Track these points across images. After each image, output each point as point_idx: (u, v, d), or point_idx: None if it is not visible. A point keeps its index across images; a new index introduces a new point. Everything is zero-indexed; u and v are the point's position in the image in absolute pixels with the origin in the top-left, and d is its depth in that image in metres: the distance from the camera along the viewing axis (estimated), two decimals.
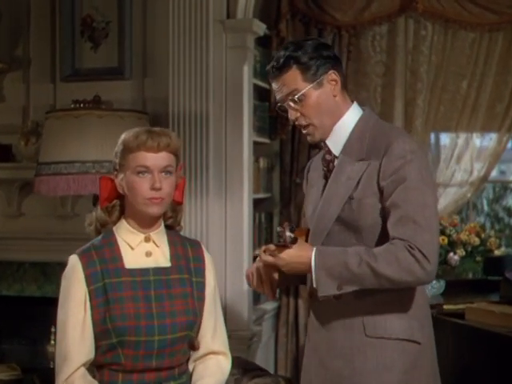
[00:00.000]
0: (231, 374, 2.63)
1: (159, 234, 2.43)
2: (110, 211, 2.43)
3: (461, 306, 4.01)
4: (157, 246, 2.42)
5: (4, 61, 4.76)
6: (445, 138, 5.21)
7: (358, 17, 4.93)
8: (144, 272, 2.37)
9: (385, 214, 2.42)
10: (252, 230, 4.59)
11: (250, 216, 4.55)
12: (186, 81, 4.38)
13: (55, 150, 3.94)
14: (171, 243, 2.45)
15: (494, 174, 5.72)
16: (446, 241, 4.58)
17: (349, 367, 2.48)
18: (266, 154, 5.04)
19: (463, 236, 4.64)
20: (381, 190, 2.43)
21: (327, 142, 2.56)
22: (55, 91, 4.73)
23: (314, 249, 2.41)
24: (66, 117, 3.98)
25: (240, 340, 4.36)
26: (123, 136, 2.37)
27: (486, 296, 4.33)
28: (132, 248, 2.39)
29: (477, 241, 4.66)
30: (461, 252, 4.59)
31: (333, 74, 2.52)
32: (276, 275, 2.54)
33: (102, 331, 2.32)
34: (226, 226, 4.46)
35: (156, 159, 2.32)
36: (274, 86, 2.55)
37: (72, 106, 4.26)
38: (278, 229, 2.42)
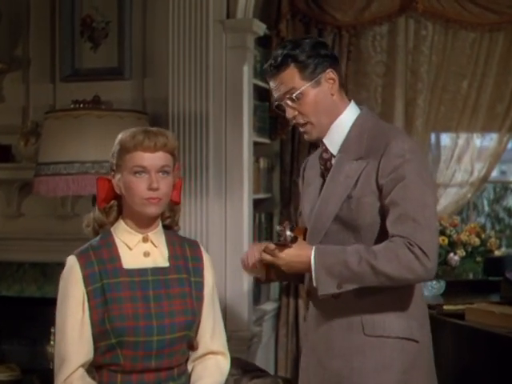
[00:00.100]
0: (231, 374, 2.63)
1: (157, 234, 2.42)
2: (108, 212, 2.43)
3: (461, 307, 4.00)
4: (155, 246, 2.41)
5: (4, 61, 4.75)
6: (445, 139, 5.20)
7: (358, 17, 4.92)
8: (142, 272, 2.37)
9: (383, 213, 2.43)
10: (252, 230, 4.59)
11: (250, 216, 4.55)
12: (185, 81, 4.38)
13: (54, 150, 3.94)
14: (169, 243, 2.44)
15: (494, 174, 5.72)
16: (446, 241, 4.57)
17: (348, 367, 2.48)
18: (266, 154, 5.03)
19: (463, 236, 4.63)
20: (379, 189, 2.43)
21: (324, 140, 2.56)
22: (55, 91, 4.72)
23: (314, 248, 2.42)
24: (65, 117, 3.98)
25: (240, 340, 4.35)
26: (120, 136, 2.36)
27: (486, 296, 4.32)
28: (130, 248, 2.39)
29: (477, 241, 4.66)
30: (461, 252, 4.59)
31: (330, 73, 2.52)
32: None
33: (100, 332, 2.32)
34: (226, 226, 4.45)
35: (153, 159, 2.31)
36: (272, 84, 2.55)
37: (72, 106, 4.26)
38: (278, 228, 2.42)
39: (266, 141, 5.01)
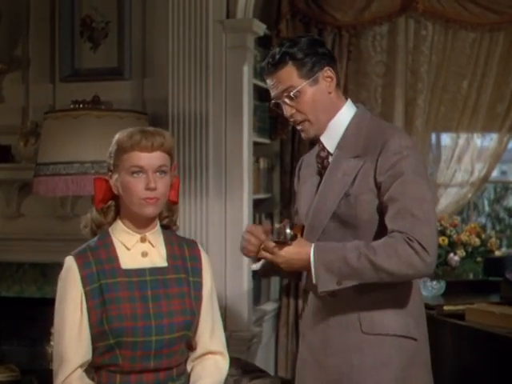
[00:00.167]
0: (231, 375, 2.63)
1: (155, 234, 2.42)
2: (106, 212, 2.42)
3: (461, 307, 4.00)
4: (153, 246, 2.40)
5: (3, 61, 4.75)
6: (445, 139, 5.20)
7: (358, 17, 4.93)
8: (140, 272, 2.36)
9: (381, 210, 2.43)
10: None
11: (250, 216, 4.55)
12: (185, 81, 4.38)
13: (54, 150, 3.93)
14: (167, 243, 2.44)
15: (494, 174, 5.73)
16: (447, 241, 4.57)
17: (347, 364, 2.48)
18: (266, 155, 5.03)
19: (463, 236, 4.63)
20: (378, 187, 2.43)
21: (322, 138, 2.57)
22: (54, 91, 4.72)
23: (313, 245, 2.41)
24: (64, 117, 3.97)
25: (240, 341, 4.35)
26: (117, 136, 2.36)
27: (486, 297, 4.32)
28: (128, 248, 2.38)
29: (477, 241, 4.66)
30: (461, 253, 4.58)
31: (328, 71, 2.53)
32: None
33: (99, 332, 2.31)
34: (226, 226, 4.45)
35: (150, 159, 2.31)
36: (269, 82, 2.55)
37: (71, 106, 4.25)
38: (278, 226, 2.42)
39: (266, 141, 5.01)
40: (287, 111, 2.53)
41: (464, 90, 4.97)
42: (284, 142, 5.05)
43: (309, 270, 2.42)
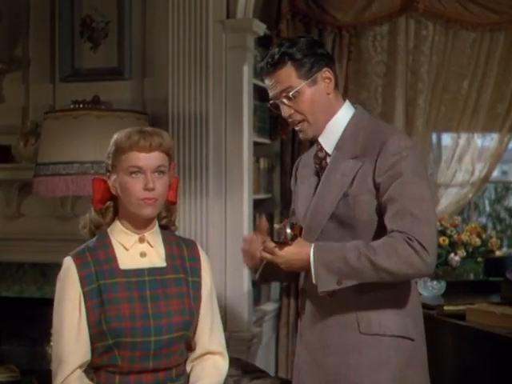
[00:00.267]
0: (231, 375, 2.62)
1: (154, 235, 2.42)
2: (104, 213, 2.42)
3: (461, 307, 3.99)
4: (151, 247, 2.40)
5: (3, 61, 4.75)
6: (446, 139, 5.20)
7: (358, 17, 4.92)
8: (139, 272, 2.36)
9: (380, 211, 2.43)
10: (252, 230, 4.57)
11: (250, 216, 4.54)
12: (185, 81, 4.37)
13: (54, 150, 3.93)
14: (166, 243, 2.44)
15: (495, 174, 5.72)
16: (447, 241, 4.57)
17: (344, 364, 2.48)
18: (266, 155, 5.03)
19: (464, 237, 4.63)
20: (376, 187, 2.43)
21: (320, 139, 2.57)
22: (54, 91, 4.72)
23: (313, 245, 2.42)
24: (64, 117, 3.97)
25: (240, 341, 4.35)
26: (115, 136, 2.36)
27: (486, 297, 4.31)
28: (126, 249, 2.38)
29: (478, 241, 4.66)
30: (462, 253, 4.58)
31: (327, 72, 2.53)
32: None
33: (97, 333, 2.31)
34: (226, 227, 4.45)
35: (148, 159, 2.31)
36: (268, 82, 2.55)
37: (71, 106, 4.25)
38: (278, 226, 2.41)
39: (266, 141, 5.01)
40: (285, 111, 2.54)
41: (464, 89, 4.96)
42: (284, 142, 5.05)
43: (308, 270, 2.42)
